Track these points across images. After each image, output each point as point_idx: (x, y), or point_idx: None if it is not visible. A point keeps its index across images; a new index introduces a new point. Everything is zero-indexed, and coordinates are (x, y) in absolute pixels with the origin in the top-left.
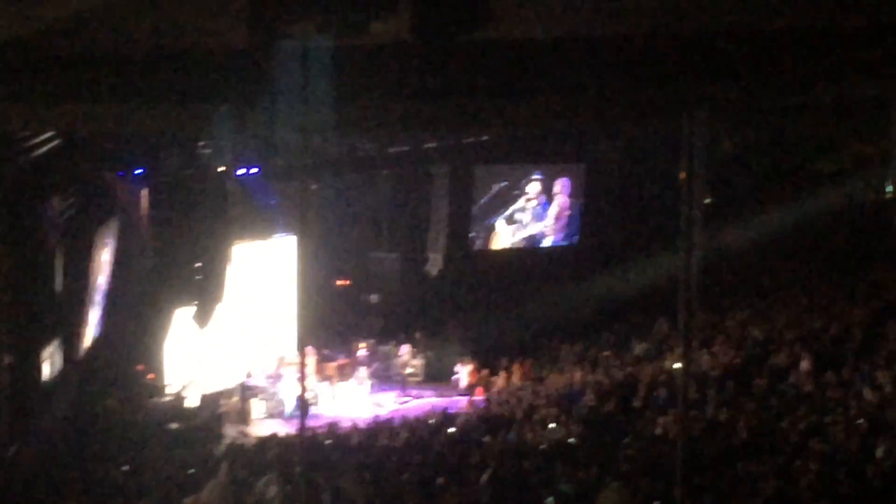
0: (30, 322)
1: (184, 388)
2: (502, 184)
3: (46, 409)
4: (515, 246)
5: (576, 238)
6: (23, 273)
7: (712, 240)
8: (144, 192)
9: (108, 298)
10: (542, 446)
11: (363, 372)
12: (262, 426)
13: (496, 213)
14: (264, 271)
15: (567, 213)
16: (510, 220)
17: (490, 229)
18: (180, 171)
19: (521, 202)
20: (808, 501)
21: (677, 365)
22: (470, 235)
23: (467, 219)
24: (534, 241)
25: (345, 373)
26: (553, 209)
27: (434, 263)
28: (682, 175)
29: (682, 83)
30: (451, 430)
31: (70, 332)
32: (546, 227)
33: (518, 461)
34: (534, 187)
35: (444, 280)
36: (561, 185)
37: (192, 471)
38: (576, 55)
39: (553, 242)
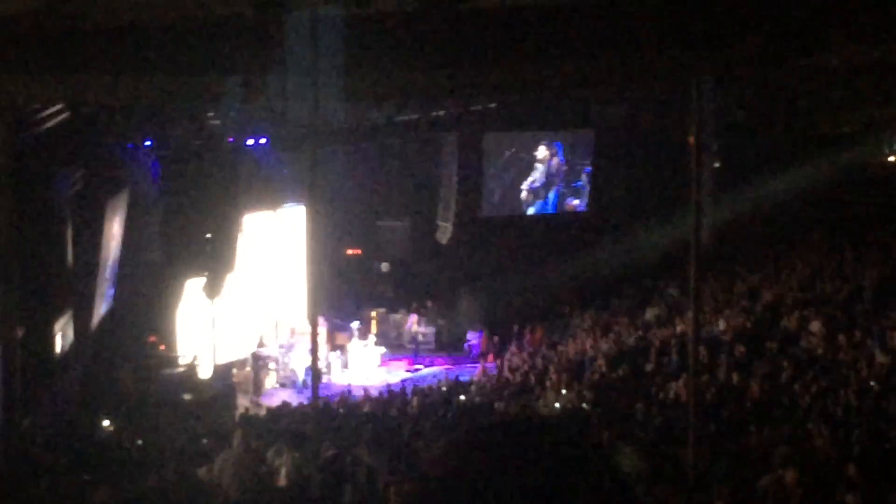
0: (41, 295)
1: (196, 359)
2: (513, 149)
3: (59, 381)
4: (528, 205)
5: (585, 203)
6: (34, 246)
7: (722, 204)
8: (154, 164)
9: (118, 270)
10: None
11: (374, 340)
12: (274, 396)
13: (508, 175)
14: (274, 241)
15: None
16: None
17: (505, 191)
18: (189, 142)
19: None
20: (820, 464)
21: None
22: (485, 197)
23: (477, 186)
24: (545, 201)
25: (353, 342)
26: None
27: (444, 231)
28: (691, 140)
29: (690, 48)
30: (463, 397)
31: (81, 304)
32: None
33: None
34: (542, 151)
35: (454, 247)
36: (557, 149)
37: (206, 441)
38: (582, 21)
39: (554, 199)
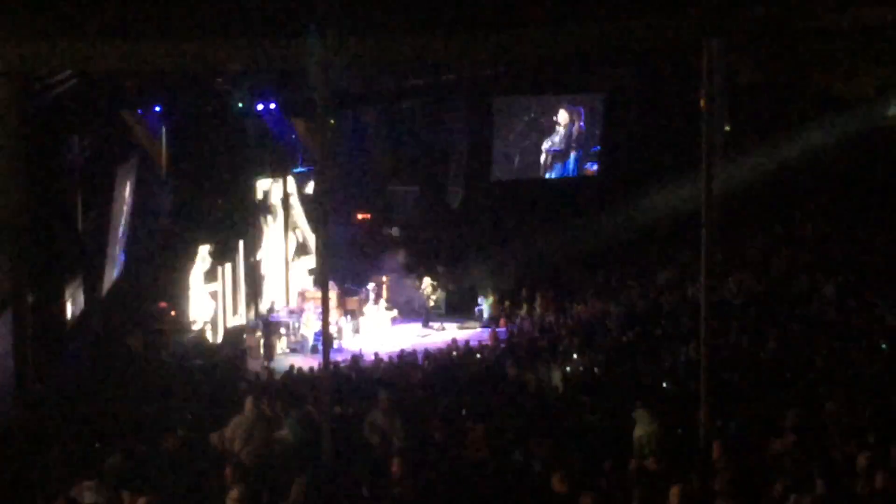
0: (52, 261)
1: (206, 324)
2: (532, 114)
3: (69, 347)
4: (547, 169)
5: (596, 166)
6: (44, 212)
7: (734, 167)
8: (164, 130)
9: (129, 236)
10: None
11: (385, 305)
12: (284, 361)
13: (530, 139)
14: (284, 206)
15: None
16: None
17: (523, 155)
18: (199, 108)
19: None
20: (832, 427)
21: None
22: (496, 161)
23: (488, 150)
24: (565, 165)
25: (367, 307)
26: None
27: (455, 195)
28: (702, 103)
29: (700, 10)
30: (474, 362)
31: (92, 270)
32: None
33: (542, 392)
34: (563, 116)
35: (465, 212)
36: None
37: (216, 407)
38: None
39: (574, 164)
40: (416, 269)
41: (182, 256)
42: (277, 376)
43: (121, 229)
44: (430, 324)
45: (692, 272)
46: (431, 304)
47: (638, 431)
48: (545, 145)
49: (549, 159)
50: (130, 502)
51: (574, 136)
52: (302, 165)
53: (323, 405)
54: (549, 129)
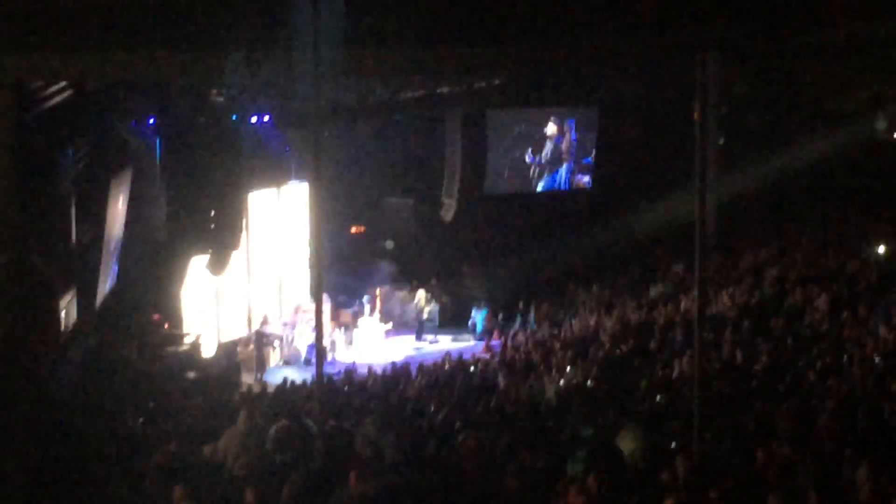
0: (46, 273)
1: (200, 336)
2: (522, 126)
3: (63, 359)
4: (536, 181)
5: (589, 179)
6: (37, 224)
7: (728, 181)
8: (158, 141)
9: (122, 248)
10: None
11: (378, 318)
12: (278, 373)
13: (517, 151)
14: (278, 219)
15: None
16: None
17: (514, 168)
18: (193, 120)
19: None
20: (825, 441)
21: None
22: (489, 174)
23: (481, 163)
24: (554, 177)
25: (361, 319)
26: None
27: (448, 208)
28: (696, 116)
29: (694, 24)
30: (467, 375)
31: (85, 282)
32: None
33: (535, 405)
34: (551, 128)
35: (458, 225)
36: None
37: (210, 420)
38: None
39: (566, 176)
40: (404, 280)
41: (176, 268)
42: (271, 389)
43: (114, 241)
44: (424, 337)
45: (686, 285)
46: (425, 316)
47: (629, 447)
48: (529, 158)
49: (536, 170)
50: None
51: (564, 148)
52: (295, 178)
53: (316, 418)
54: (539, 141)
